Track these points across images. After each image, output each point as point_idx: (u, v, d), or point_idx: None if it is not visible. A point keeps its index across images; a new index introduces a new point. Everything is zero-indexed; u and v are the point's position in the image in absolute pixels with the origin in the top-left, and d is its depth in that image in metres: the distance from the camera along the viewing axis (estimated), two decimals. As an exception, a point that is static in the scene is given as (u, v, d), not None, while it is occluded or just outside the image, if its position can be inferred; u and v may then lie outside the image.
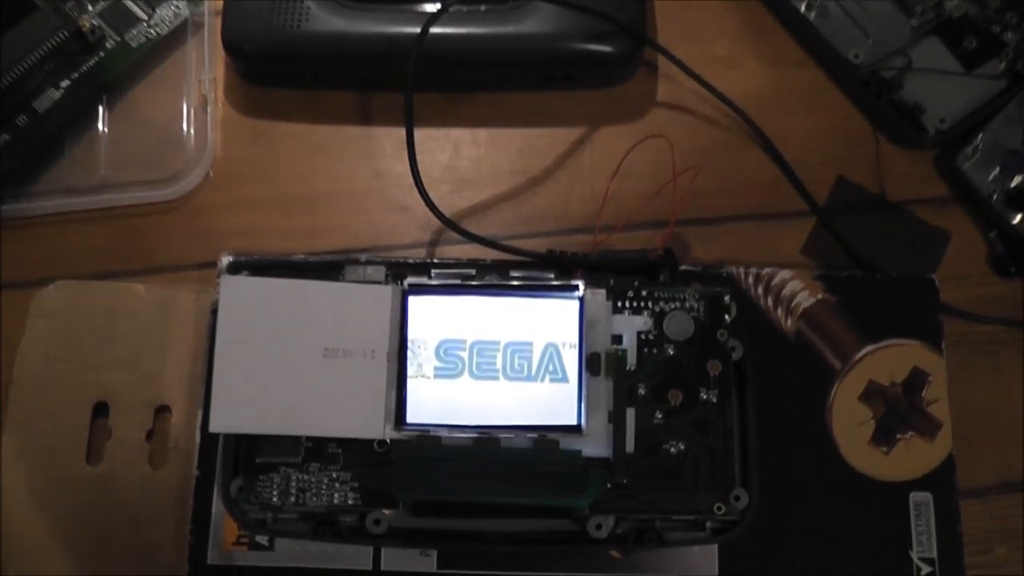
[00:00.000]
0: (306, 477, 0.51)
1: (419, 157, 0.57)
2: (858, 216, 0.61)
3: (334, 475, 0.51)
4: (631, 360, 0.52)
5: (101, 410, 0.58)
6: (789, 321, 0.57)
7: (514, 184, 0.62)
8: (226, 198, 0.61)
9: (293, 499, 0.51)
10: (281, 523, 0.52)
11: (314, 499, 0.51)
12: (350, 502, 0.51)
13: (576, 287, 0.52)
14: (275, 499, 0.51)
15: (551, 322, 0.52)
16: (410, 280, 0.53)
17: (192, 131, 0.62)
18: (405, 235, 0.61)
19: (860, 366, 0.57)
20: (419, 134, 0.58)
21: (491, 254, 0.56)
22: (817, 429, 0.56)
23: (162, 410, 0.57)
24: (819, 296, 0.57)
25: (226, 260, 0.55)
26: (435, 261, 0.56)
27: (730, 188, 0.61)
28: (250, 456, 0.51)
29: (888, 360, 0.57)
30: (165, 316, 0.59)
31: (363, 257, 0.55)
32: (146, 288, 0.59)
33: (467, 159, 0.62)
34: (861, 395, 0.57)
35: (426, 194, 0.57)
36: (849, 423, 0.56)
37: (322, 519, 0.52)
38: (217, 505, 0.55)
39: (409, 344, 0.52)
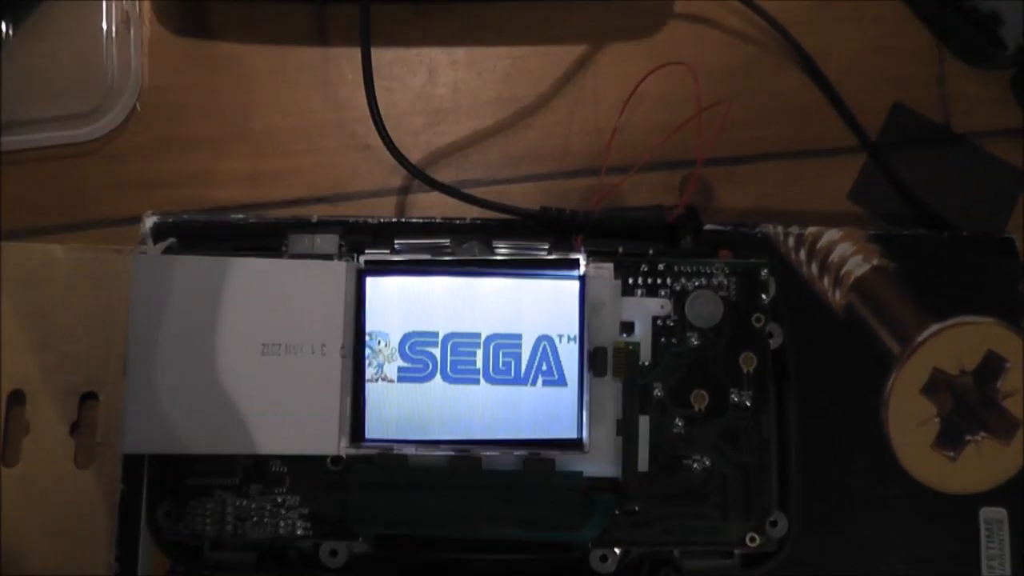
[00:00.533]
0: (245, 503, 0.45)
1: (385, 84, 0.53)
2: (918, 151, 0.54)
3: (279, 499, 0.45)
4: (645, 354, 0.46)
5: (16, 399, 0.49)
6: (838, 293, 0.49)
7: (501, 116, 0.55)
8: (156, 137, 0.54)
9: (230, 528, 0.45)
10: (218, 555, 0.46)
11: (255, 529, 0.45)
12: (299, 532, 0.45)
13: (576, 262, 0.46)
14: (208, 528, 0.45)
15: (544, 308, 0.46)
16: (368, 256, 0.46)
17: (114, 55, 0.54)
18: (369, 180, 0.54)
19: (923, 350, 0.49)
20: (385, 55, 0.54)
21: (473, 211, 0.49)
22: (869, 429, 0.48)
23: (88, 398, 0.49)
24: (874, 262, 0.49)
25: (150, 221, 0.48)
26: (403, 221, 0.49)
27: (763, 118, 0.54)
28: (179, 476, 0.45)
29: (957, 342, 0.49)
30: (88, 283, 0.49)
31: (314, 217, 0.48)
32: (64, 250, 0.49)
33: (443, 85, 0.55)
34: (924, 387, 0.49)
35: (387, 134, 0.49)
36: (908, 422, 0.48)
37: (266, 551, 0.46)
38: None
39: (367, 338, 0.45)
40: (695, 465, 0.45)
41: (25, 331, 0.49)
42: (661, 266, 0.46)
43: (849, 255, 0.50)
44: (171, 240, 0.47)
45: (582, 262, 0.45)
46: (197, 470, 0.45)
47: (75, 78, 0.54)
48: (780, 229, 0.50)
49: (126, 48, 0.54)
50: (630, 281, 0.46)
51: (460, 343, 0.46)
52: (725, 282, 0.46)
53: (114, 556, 0.47)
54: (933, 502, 0.48)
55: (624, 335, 0.46)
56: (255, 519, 0.45)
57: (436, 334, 0.46)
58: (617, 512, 0.44)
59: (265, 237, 0.48)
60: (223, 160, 0.54)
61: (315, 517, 0.45)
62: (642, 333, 0.46)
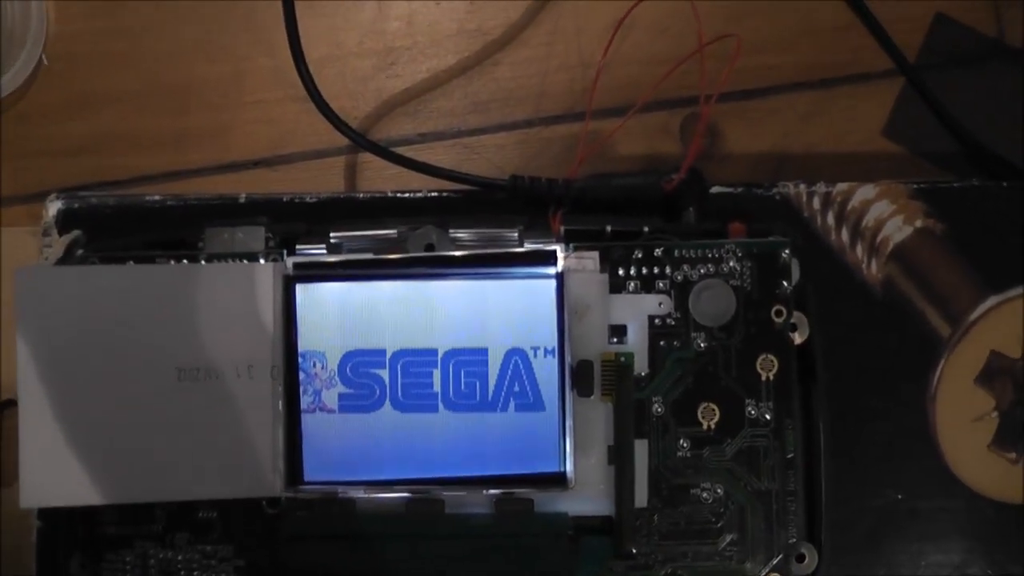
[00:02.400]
0: (170, 554, 0.39)
1: (327, 20, 0.47)
2: (966, 73, 0.48)
3: (209, 550, 0.39)
4: (641, 364, 0.39)
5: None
6: (874, 264, 0.42)
7: (464, 52, 0.49)
8: (64, 95, 0.49)
9: None
10: (145, 613, 0.41)
11: None
12: None
13: (551, 256, 0.38)
14: None
15: (514, 314, 0.38)
16: (298, 257, 0.39)
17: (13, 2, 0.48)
18: (313, 138, 0.47)
19: (978, 330, 0.42)
20: None
21: (430, 182, 0.43)
22: (913, 429, 0.42)
23: (8, 406, 0.45)
24: (918, 223, 0.42)
25: (54, 207, 0.42)
26: (345, 197, 0.43)
27: (781, 40, 0.48)
28: (92, 524, 0.40)
29: (1019, 319, 0.43)
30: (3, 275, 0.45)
31: (242, 196, 0.42)
32: None
33: (396, 19, 0.49)
34: (979, 375, 0.42)
35: (315, 88, 0.43)
36: (961, 417, 0.42)
37: None
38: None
39: (300, 360, 0.38)
40: (704, 495, 0.39)
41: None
42: (658, 251, 0.39)
43: (887, 216, 0.43)
44: (76, 233, 0.41)
45: (559, 254, 0.38)
46: (112, 518, 0.40)
47: (-34, 26, 0.48)
48: (803, 188, 0.42)
49: (28, -12, 0.48)
50: (620, 272, 0.39)
51: (413, 363, 0.38)
52: (738, 268, 0.39)
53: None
54: (988, 512, 0.42)
55: (614, 341, 0.39)
56: (183, 574, 0.39)
57: (383, 352, 0.38)
58: (611, 558, 0.39)
59: (185, 225, 0.41)
60: (144, 119, 0.49)
61: (252, 570, 0.39)
62: (636, 339, 0.39)
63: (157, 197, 0.44)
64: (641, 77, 0.47)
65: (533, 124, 0.48)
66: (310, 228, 0.40)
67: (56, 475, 0.38)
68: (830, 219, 0.42)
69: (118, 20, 0.50)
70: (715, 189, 0.42)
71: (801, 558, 0.39)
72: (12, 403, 0.44)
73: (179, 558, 0.39)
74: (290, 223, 0.41)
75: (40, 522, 0.41)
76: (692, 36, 0.44)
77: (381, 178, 0.46)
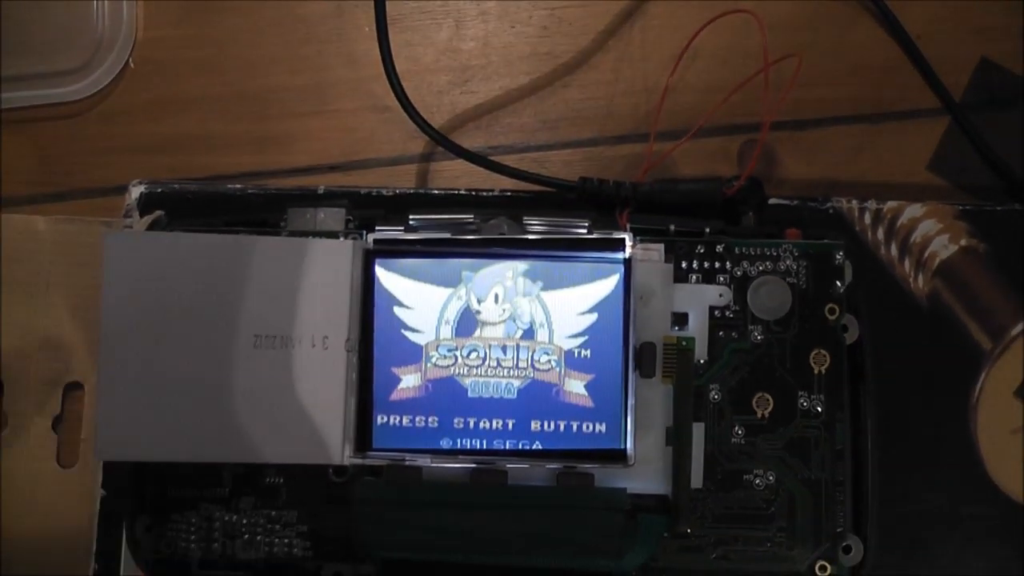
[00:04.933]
0: (235, 518, 0.40)
1: (407, 37, 0.49)
2: (1008, 113, 0.49)
3: (273, 515, 0.40)
4: (700, 351, 0.40)
5: (-9, 388, 0.46)
6: (920, 279, 0.43)
7: (536, 74, 0.50)
8: (149, 96, 0.50)
9: (218, 547, 0.40)
10: (205, 575, 0.41)
11: (247, 548, 0.40)
12: (297, 553, 0.40)
13: (620, 243, 0.40)
14: (193, 546, 0.40)
15: (581, 297, 0.39)
16: (378, 234, 0.40)
17: (104, 4, 0.50)
18: (387, 146, 0.49)
19: (1019, 345, 0.43)
20: (405, 5, 0.49)
21: (502, 182, 0.45)
22: (955, 438, 0.43)
23: (72, 388, 0.46)
24: (962, 242, 0.44)
25: (136, 191, 0.44)
26: (420, 192, 0.45)
27: (832, 77, 0.49)
28: (160, 486, 0.40)
29: None
30: (74, 260, 0.46)
31: (321, 188, 0.44)
32: (47, 222, 0.47)
33: (472, 39, 0.50)
34: (1019, 388, 0.43)
35: (404, 94, 0.45)
36: (1002, 429, 0.43)
37: (260, 573, 0.41)
38: (130, 539, 0.43)
39: (377, 330, 0.39)
40: (757, 481, 0.40)
41: (2, 312, 0.46)
42: (719, 248, 0.41)
43: (934, 234, 0.44)
44: (158, 213, 0.43)
45: (627, 243, 0.40)
46: (180, 480, 0.40)
47: (61, 30, 0.50)
48: (855, 204, 0.44)
49: (119, -4, 0.50)
50: (683, 265, 0.41)
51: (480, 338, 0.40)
52: (794, 267, 0.41)
53: (92, 571, 0.43)
54: (1033, 527, 0.42)
55: (676, 328, 0.40)
56: (246, 537, 0.40)
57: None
58: (666, 535, 0.39)
59: (265, 210, 0.43)
60: (224, 123, 0.50)
61: (315, 536, 0.40)
62: (697, 326, 0.40)
63: (238, 186, 0.45)
64: (702, 103, 0.48)
65: (598, 143, 0.49)
66: (388, 214, 0.42)
67: (130, 431, 0.38)
68: (880, 234, 0.44)
69: (205, 28, 0.51)
70: (772, 200, 0.43)
71: (848, 549, 0.39)
72: (77, 385, 0.45)
73: (244, 521, 0.40)
74: (369, 209, 0.42)
75: (104, 490, 0.42)
76: (750, 67, 0.45)
77: (453, 186, 0.47)
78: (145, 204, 0.43)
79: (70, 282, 0.47)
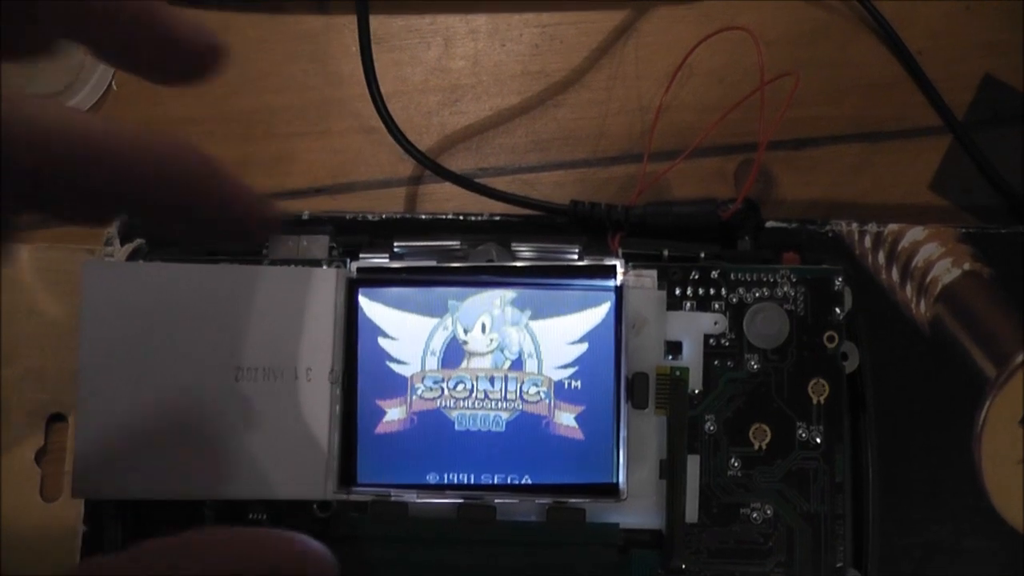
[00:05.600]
0: None
1: (394, 56, 0.48)
2: (1012, 131, 0.49)
3: None
4: (695, 381, 0.40)
5: (-28, 419, 0.45)
6: (923, 304, 0.43)
7: (527, 93, 0.49)
8: (132, 119, 0.49)
9: None
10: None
11: None
12: None
13: (611, 269, 0.39)
14: None
15: (571, 326, 0.39)
16: (361, 262, 0.40)
17: None
18: (375, 168, 0.48)
19: None
20: (393, 23, 0.49)
21: (492, 205, 0.45)
22: (959, 469, 0.42)
23: (56, 419, 0.45)
24: (966, 266, 0.43)
25: (116, 222, 0.43)
26: (406, 217, 0.45)
27: (831, 94, 0.49)
28: (139, 523, 0.40)
29: None
30: (58, 290, 0.46)
31: (305, 213, 0.43)
32: (29, 250, 0.47)
33: (462, 58, 0.50)
34: None
35: (388, 115, 0.45)
36: (1007, 460, 0.43)
37: None
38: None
39: (361, 361, 0.39)
40: (754, 515, 0.39)
41: (-17, 342, 0.45)
42: (715, 273, 0.40)
43: (936, 258, 0.44)
44: (139, 242, 0.42)
45: (619, 269, 0.39)
46: (162, 516, 0.39)
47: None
48: (855, 227, 0.44)
49: (101, 16, 0.48)
50: (677, 292, 0.40)
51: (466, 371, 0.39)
52: (791, 293, 0.40)
53: (74, 611, 0.42)
54: (1037, 557, 0.42)
55: (670, 358, 0.40)
56: None
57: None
58: (660, 572, 0.39)
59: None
60: (208, 145, 0.47)
61: None
62: (692, 355, 0.40)
63: (222, 212, 0.44)
64: (697, 123, 0.48)
65: (591, 163, 0.49)
66: (373, 240, 0.41)
67: (108, 468, 0.38)
68: (880, 258, 0.43)
69: (188, 50, 0.50)
70: (769, 223, 0.43)
71: (849, 584, 0.39)
72: (61, 417, 0.45)
73: (227, 558, 0.39)
74: (354, 235, 0.42)
75: (85, 526, 0.41)
76: (747, 85, 0.45)
77: (441, 209, 0.47)
78: (125, 231, 0.43)
79: (52, 311, 0.47)
